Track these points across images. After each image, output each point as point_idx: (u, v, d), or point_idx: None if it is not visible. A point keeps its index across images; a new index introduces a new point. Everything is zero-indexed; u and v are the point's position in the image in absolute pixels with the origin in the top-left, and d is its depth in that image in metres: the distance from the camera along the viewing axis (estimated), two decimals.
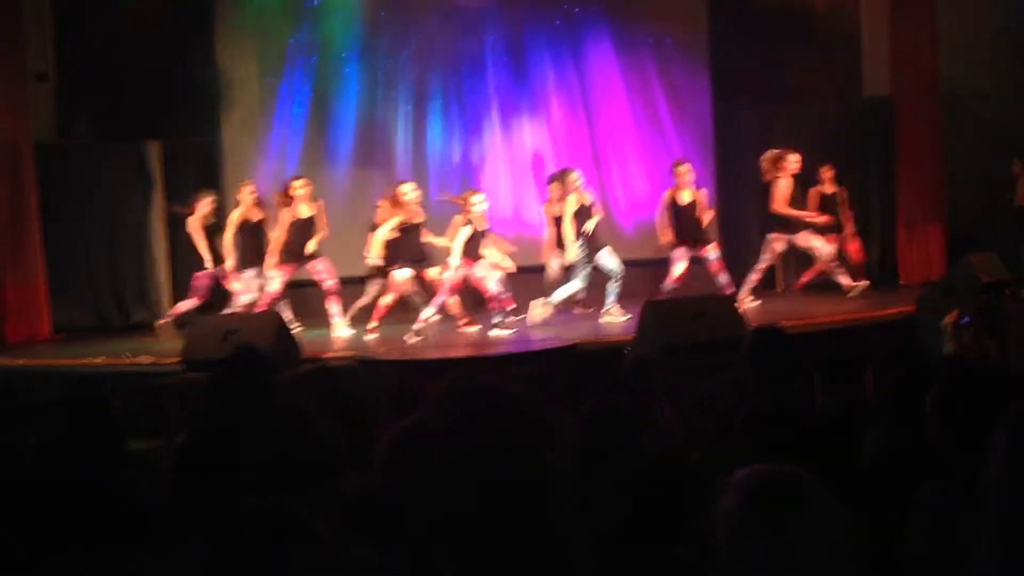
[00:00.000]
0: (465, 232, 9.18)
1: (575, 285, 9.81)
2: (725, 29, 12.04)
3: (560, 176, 10.06)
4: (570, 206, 9.63)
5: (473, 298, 10.12)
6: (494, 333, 9.19)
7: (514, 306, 9.46)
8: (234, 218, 10.02)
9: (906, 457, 3.23)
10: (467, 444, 2.21)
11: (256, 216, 10.11)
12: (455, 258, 9.21)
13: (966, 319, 7.13)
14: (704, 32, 12.19)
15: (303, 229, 9.79)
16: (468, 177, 11.75)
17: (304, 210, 9.81)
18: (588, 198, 9.79)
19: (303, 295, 10.56)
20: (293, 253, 9.79)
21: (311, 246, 9.75)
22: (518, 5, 12.07)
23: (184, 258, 11.66)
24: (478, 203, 9.23)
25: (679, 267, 10.05)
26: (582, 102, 12.21)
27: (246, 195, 10.12)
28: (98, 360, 8.73)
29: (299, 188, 9.80)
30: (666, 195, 10.18)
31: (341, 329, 9.86)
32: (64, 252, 11.37)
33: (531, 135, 12.15)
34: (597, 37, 12.18)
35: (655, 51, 12.20)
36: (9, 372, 8.71)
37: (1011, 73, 11.00)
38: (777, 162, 10.09)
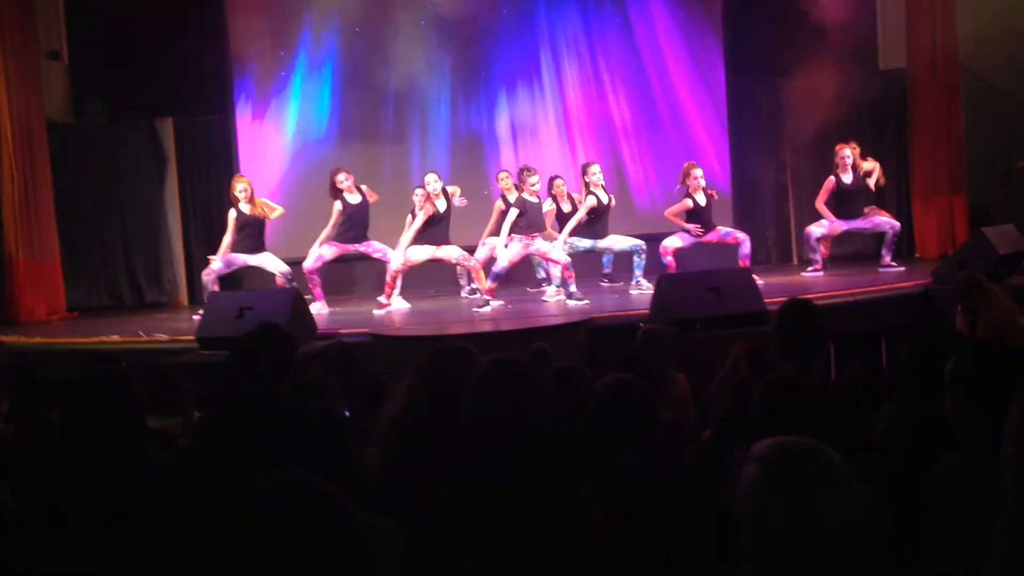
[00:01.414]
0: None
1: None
2: (739, 5, 11.96)
3: (583, 168, 10.27)
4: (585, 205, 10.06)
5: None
6: (572, 303, 9.35)
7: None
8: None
9: (923, 430, 3.22)
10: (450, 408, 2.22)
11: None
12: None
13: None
14: (718, 5, 12.12)
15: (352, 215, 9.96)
16: (481, 153, 11.75)
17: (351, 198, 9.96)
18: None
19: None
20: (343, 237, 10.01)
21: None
22: None
23: (198, 236, 11.72)
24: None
25: (673, 240, 10.08)
26: (596, 77, 12.16)
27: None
28: (113, 338, 8.76)
29: (343, 180, 9.90)
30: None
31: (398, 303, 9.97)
32: (78, 231, 11.42)
33: (546, 111, 12.11)
34: (611, 11, 12.12)
35: (669, 25, 12.14)
36: (25, 350, 8.76)
37: None
38: None
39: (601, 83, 12.15)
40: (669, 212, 10.15)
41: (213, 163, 11.51)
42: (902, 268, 10.22)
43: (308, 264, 9.98)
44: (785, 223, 12.24)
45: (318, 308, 9.77)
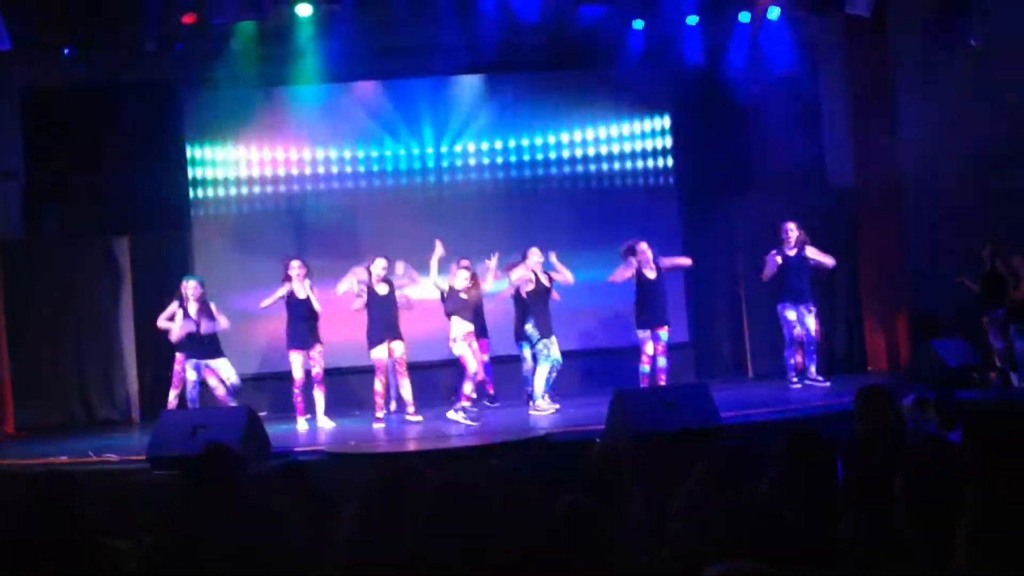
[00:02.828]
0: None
1: (543, 370, 9.85)
2: (691, 121, 12.26)
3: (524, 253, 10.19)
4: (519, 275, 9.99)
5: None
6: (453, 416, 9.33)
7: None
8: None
9: (877, 545, 3.22)
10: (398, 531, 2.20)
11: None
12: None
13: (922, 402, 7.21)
14: (670, 125, 12.41)
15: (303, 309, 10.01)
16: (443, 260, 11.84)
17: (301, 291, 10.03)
18: (544, 278, 10.05)
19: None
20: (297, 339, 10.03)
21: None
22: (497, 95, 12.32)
23: (151, 354, 11.59)
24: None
25: (649, 347, 10.10)
26: (549, 194, 12.36)
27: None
28: (62, 459, 8.58)
29: (294, 268, 10.01)
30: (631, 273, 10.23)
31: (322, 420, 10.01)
32: (29, 348, 11.26)
33: (500, 225, 12.21)
34: (567, 129, 12.35)
35: (623, 144, 12.39)
36: None
37: (969, 163, 11.24)
38: None
39: (554, 200, 12.31)
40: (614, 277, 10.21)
41: (169, 281, 11.43)
42: (827, 383, 10.24)
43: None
44: (740, 336, 12.34)
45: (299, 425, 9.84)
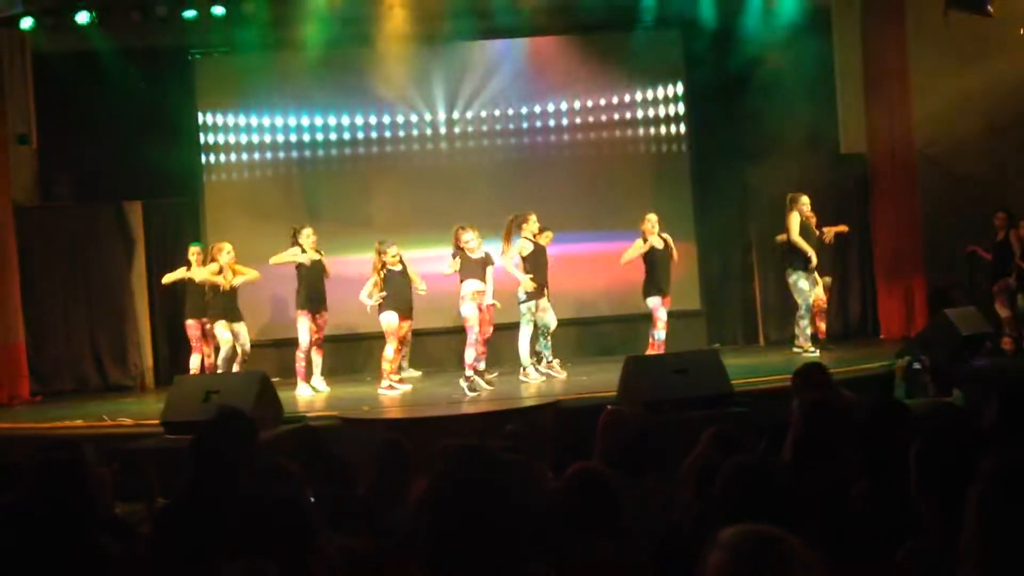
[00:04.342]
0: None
1: (526, 335, 9.77)
2: (704, 87, 12.16)
3: (518, 219, 9.97)
4: (515, 249, 9.74)
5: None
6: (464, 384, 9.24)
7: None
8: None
9: (889, 512, 3.22)
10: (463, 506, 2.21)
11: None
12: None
13: (916, 364, 7.20)
14: (685, 91, 12.32)
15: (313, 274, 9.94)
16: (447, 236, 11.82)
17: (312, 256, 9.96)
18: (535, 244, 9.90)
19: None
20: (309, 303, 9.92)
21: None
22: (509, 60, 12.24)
23: (164, 319, 11.65)
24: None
25: (662, 312, 10.04)
26: (559, 158, 12.31)
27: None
28: (76, 423, 8.64)
29: (307, 236, 9.95)
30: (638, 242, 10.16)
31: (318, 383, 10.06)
32: (43, 314, 11.33)
33: (514, 196, 12.14)
34: (580, 95, 12.27)
35: (637, 109, 12.31)
36: None
37: (983, 131, 11.16)
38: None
39: (566, 166, 12.26)
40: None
41: (181, 245, 11.47)
42: (816, 351, 10.11)
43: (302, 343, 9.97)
44: (751, 304, 12.32)
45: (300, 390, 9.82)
